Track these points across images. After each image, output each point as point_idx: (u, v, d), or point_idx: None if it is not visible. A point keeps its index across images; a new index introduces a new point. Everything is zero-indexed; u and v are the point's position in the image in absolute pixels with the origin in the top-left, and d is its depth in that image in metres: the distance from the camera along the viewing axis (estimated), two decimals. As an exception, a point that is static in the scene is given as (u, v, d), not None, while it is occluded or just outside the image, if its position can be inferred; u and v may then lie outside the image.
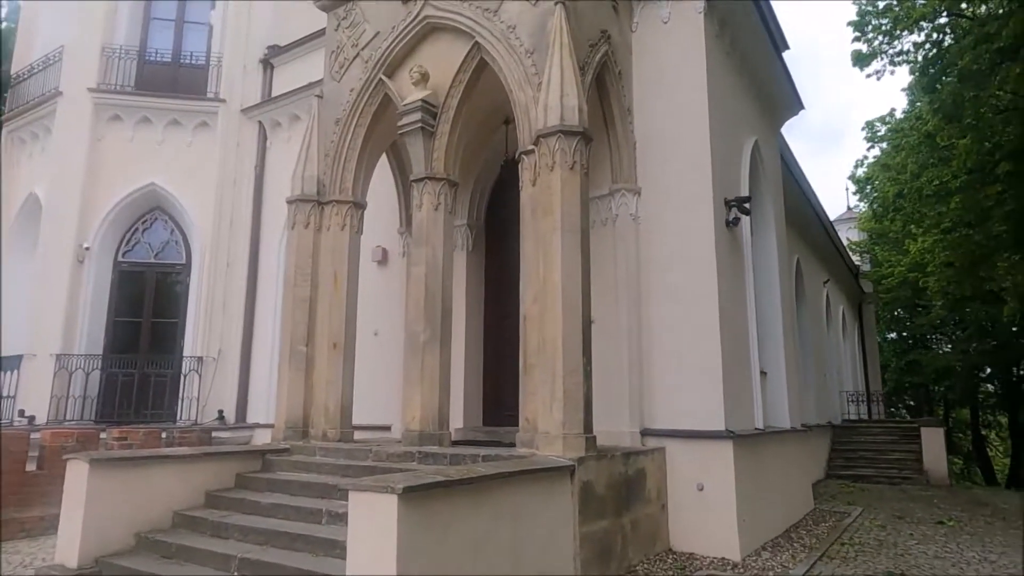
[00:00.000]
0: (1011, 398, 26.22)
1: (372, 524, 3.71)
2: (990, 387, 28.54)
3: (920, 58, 13.35)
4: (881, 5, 13.56)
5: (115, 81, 12.04)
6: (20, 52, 13.44)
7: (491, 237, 9.08)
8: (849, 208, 31.55)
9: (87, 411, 10.89)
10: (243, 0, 12.65)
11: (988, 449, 29.78)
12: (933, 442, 14.39)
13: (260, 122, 12.22)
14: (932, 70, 12.89)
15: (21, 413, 10.58)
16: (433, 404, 6.52)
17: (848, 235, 27.25)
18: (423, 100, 6.90)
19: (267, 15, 12.71)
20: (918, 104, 15.96)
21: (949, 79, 12.56)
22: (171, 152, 11.95)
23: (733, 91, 8.36)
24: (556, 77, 5.91)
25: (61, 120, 11.78)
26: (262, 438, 10.13)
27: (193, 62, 12.57)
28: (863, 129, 21.84)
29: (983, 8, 12.54)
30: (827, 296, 17.72)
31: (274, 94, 12.29)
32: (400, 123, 7.06)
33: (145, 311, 11.79)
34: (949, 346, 28.16)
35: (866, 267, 24.78)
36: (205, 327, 11.47)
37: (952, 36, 12.41)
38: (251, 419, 11.25)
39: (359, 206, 7.80)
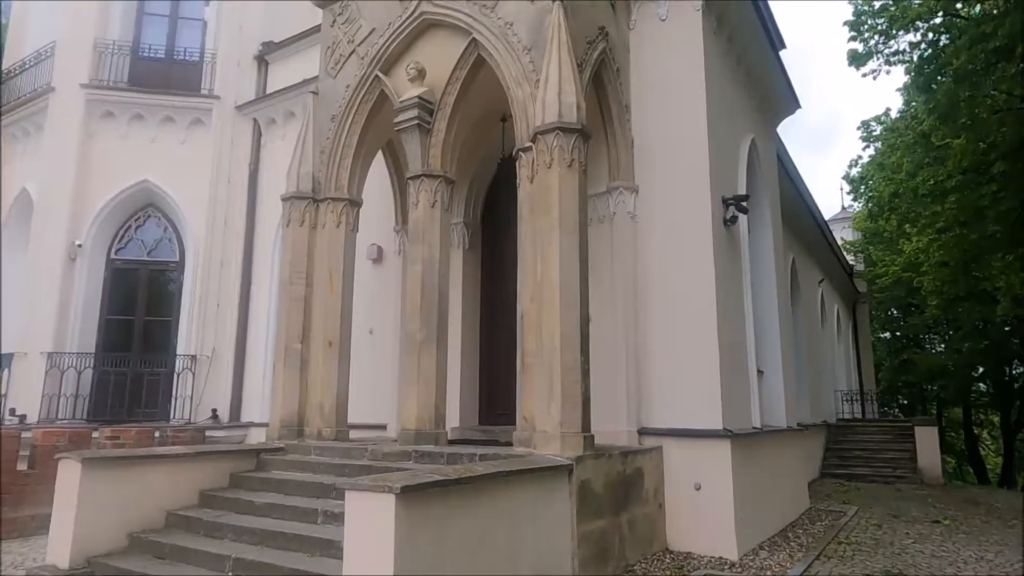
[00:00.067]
0: (1003, 397, 26.37)
1: (369, 524, 3.67)
2: (982, 386, 28.67)
3: (915, 58, 13.34)
4: (877, 5, 13.56)
5: (108, 77, 11.91)
6: (11, 47, 13.30)
7: (488, 235, 9.04)
8: (844, 208, 31.65)
9: (79, 410, 10.79)
10: (237, -4, 12.56)
11: (980, 448, 29.94)
12: (927, 441, 14.46)
13: (255, 119, 12.14)
14: (927, 70, 12.89)
15: (12, 412, 10.47)
16: (429, 403, 6.48)
17: (842, 235, 27.33)
18: (420, 97, 6.85)
19: (261, 11, 12.59)
20: (913, 104, 15.97)
21: (944, 79, 12.56)
22: (164, 149, 11.84)
23: (730, 89, 8.34)
24: (554, 74, 5.87)
25: (53, 116, 11.66)
26: (256, 437, 10.06)
27: (187, 58, 12.46)
28: (858, 128, 21.88)
29: (978, 8, 12.56)
30: (822, 295, 17.76)
31: (269, 91, 12.20)
32: (396, 120, 7.02)
33: (138, 309, 11.69)
34: (942, 345, 28.28)
35: (860, 267, 24.87)
36: (199, 325, 11.38)
37: (948, 36, 12.41)
38: (245, 418, 11.18)
39: (355, 203, 7.75)
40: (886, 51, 13.74)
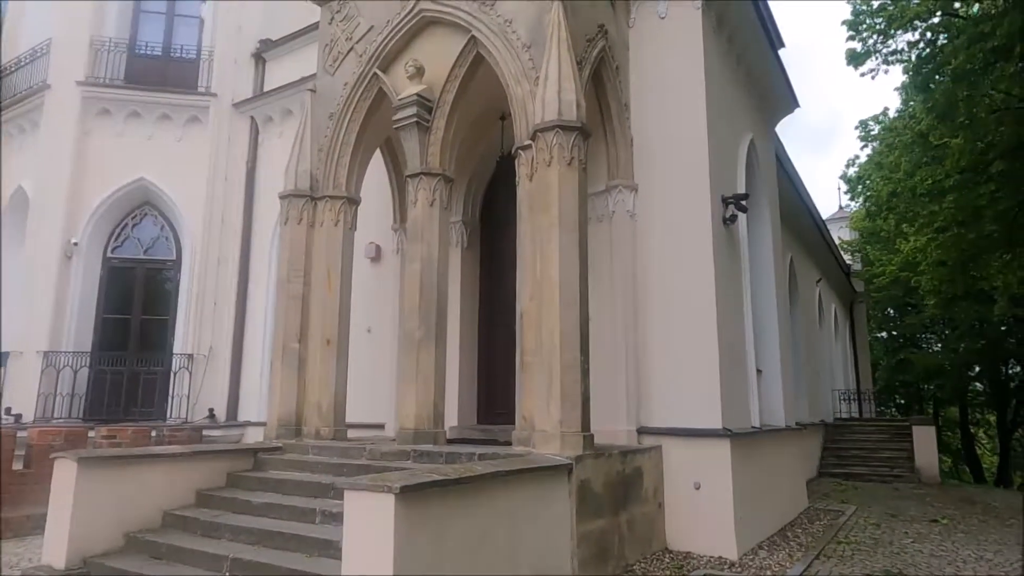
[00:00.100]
0: (999, 396, 26.43)
1: (368, 524, 3.65)
2: (979, 385, 28.75)
3: (914, 57, 13.34)
4: (875, 4, 13.57)
5: (104, 74, 11.86)
6: (7, 44, 13.19)
7: (486, 234, 9.01)
8: (841, 207, 31.68)
9: (75, 409, 10.74)
10: (235, -7, 12.51)
11: (976, 447, 30.02)
12: (925, 440, 14.46)
13: (252, 117, 12.09)
14: (926, 69, 12.89)
15: (8, 411, 10.41)
16: (428, 402, 6.45)
17: (840, 234, 27.36)
18: (418, 95, 6.82)
19: (258, 9, 12.55)
20: (911, 103, 15.99)
21: (943, 78, 12.56)
22: (161, 147, 11.79)
23: (730, 88, 8.32)
24: (554, 72, 5.85)
25: (49, 114, 11.61)
26: (254, 436, 10.03)
27: (184, 56, 12.41)
28: (856, 128, 21.89)
29: (976, 8, 12.57)
30: (819, 295, 17.77)
31: (266, 89, 12.16)
32: (395, 118, 6.98)
33: (134, 308, 11.64)
34: (939, 345, 28.34)
35: (857, 266, 24.91)
36: (196, 324, 11.34)
37: (946, 35, 12.41)
38: (242, 417, 11.14)
39: (353, 202, 7.72)
40: (884, 50, 13.74)
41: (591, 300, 5.94)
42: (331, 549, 4.49)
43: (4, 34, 12.78)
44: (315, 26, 9.34)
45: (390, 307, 8.72)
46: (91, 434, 7.86)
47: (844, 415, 19.33)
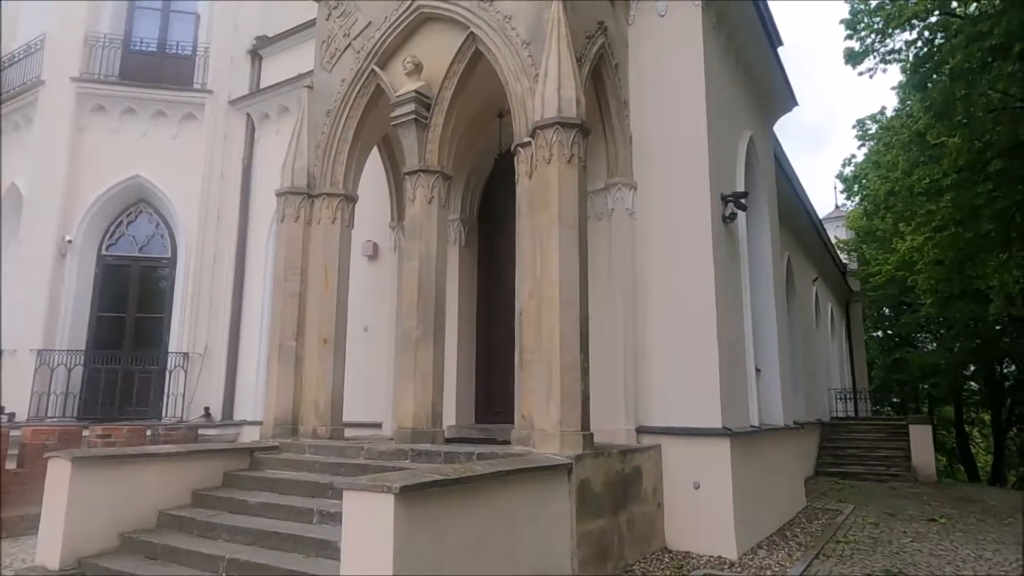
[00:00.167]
0: (994, 395, 26.52)
1: (368, 524, 3.60)
2: (974, 385, 28.84)
3: (911, 56, 13.36)
4: (873, 4, 13.57)
5: (99, 71, 11.77)
6: (5, 38, 13.08)
7: (484, 232, 8.97)
8: (837, 206, 31.71)
9: (69, 408, 10.65)
10: (231, -10, 12.42)
11: (971, 446, 30.11)
12: (921, 439, 14.49)
13: (248, 114, 12.02)
14: (923, 68, 12.90)
15: (1, 410, 10.32)
16: (426, 401, 6.41)
17: (836, 233, 27.39)
18: (417, 91, 6.77)
19: (255, 5, 12.48)
20: (909, 102, 16.01)
21: (940, 77, 12.57)
22: (156, 144, 11.71)
23: (729, 86, 8.29)
24: (554, 68, 5.81)
25: (43, 110, 11.51)
26: (250, 435, 9.97)
27: (179, 52, 12.32)
28: (854, 127, 21.93)
29: (973, 7, 12.58)
30: (816, 294, 17.78)
31: (262, 85, 12.08)
32: (393, 114, 6.93)
33: (129, 306, 11.55)
34: (934, 344, 28.42)
35: (853, 265, 24.94)
36: (191, 322, 11.26)
37: (943, 35, 12.42)
38: (238, 416, 11.07)
39: (350, 199, 7.66)
40: (882, 50, 13.77)
41: (589, 298, 5.90)
42: (329, 549, 4.45)
43: (4, 28, 12.63)
44: (312, 23, 9.29)
45: (387, 305, 8.67)
46: (85, 433, 7.78)
47: (840, 414, 19.36)
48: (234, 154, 11.93)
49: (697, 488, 6.35)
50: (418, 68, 6.88)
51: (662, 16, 7.50)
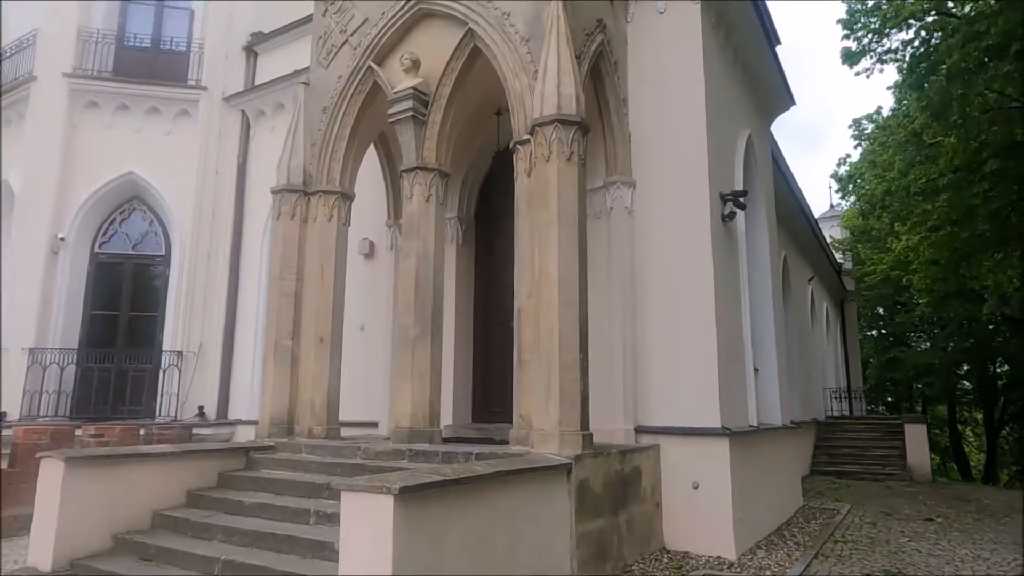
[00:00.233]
0: (987, 395, 26.66)
1: (366, 525, 3.56)
2: (967, 384, 28.97)
3: (908, 56, 13.37)
4: (870, 3, 13.57)
5: (92, 66, 11.65)
6: (5, 32, 12.95)
7: (482, 230, 8.92)
8: (832, 206, 31.78)
9: (62, 407, 10.55)
10: (226, -15, 12.32)
11: (964, 445, 30.26)
12: (917, 439, 14.53)
13: (243, 111, 11.93)
14: (920, 68, 12.90)
15: (-5, 410, 10.23)
16: (424, 400, 6.36)
17: (831, 233, 27.43)
18: (414, 88, 6.71)
19: (250, 1, 12.37)
20: (905, 102, 16.02)
21: (937, 77, 12.58)
22: (150, 140, 11.60)
23: (728, 84, 8.26)
24: (553, 65, 5.76)
25: (35, 106, 11.37)
26: (245, 435, 9.89)
27: (173, 48, 12.21)
28: (850, 127, 22.00)
29: (969, 7, 12.59)
30: (812, 293, 17.81)
31: (258, 82, 11.99)
32: (390, 111, 6.87)
33: (123, 304, 11.45)
34: (928, 343, 28.53)
35: (848, 265, 25.01)
36: (185, 321, 11.17)
37: (940, 34, 12.42)
38: (233, 415, 10.99)
39: (347, 197, 7.61)
40: (879, 49, 13.76)
41: (588, 297, 5.86)
42: (326, 551, 4.40)
43: (3, 24, 12.47)
44: (308, 19, 9.21)
45: (383, 304, 8.62)
46: (78, 433, 7.71)
47: (835, 413, 19.41)
48: (229, 151, 11.84)
49: (696, 488, 6.32)
50: (416, 65, 6.83)
51: (661, 14, 7.46)
